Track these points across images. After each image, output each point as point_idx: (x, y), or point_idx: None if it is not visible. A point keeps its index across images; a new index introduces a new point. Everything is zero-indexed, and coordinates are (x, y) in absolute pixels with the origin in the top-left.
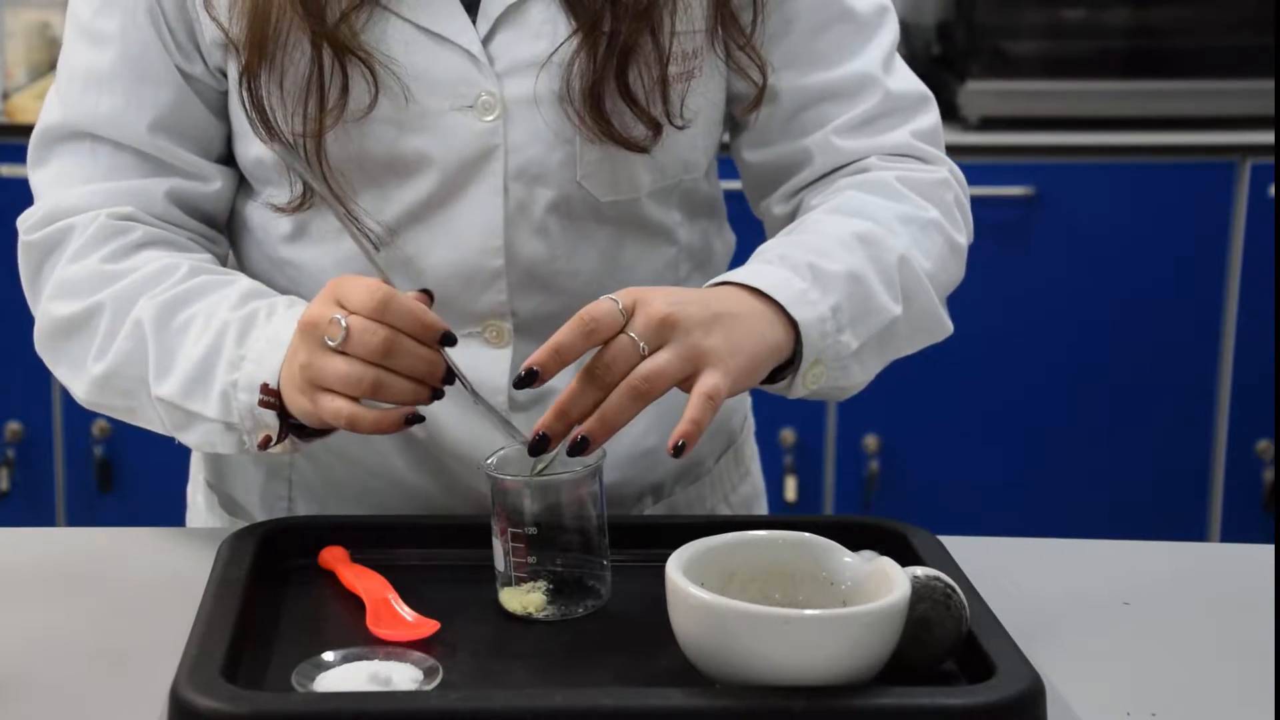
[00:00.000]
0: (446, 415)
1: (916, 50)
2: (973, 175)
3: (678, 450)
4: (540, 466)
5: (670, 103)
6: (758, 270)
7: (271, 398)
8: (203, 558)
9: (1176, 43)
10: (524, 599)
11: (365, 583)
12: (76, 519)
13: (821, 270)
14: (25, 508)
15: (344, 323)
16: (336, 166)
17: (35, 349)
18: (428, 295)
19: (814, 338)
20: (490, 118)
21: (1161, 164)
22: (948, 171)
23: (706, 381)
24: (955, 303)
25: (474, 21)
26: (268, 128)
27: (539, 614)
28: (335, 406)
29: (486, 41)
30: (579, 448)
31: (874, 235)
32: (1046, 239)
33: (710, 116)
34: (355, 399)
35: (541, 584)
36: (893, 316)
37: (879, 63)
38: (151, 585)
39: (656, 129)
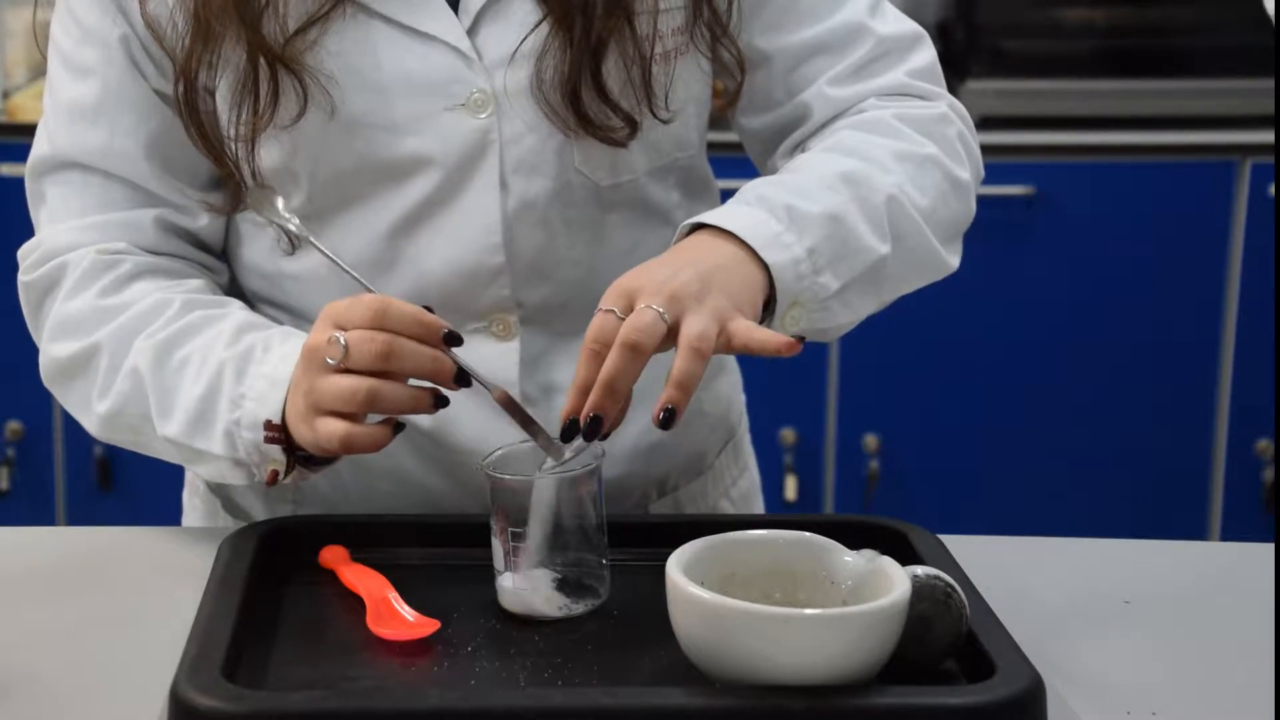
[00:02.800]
0: (458, 411)
1: None
2: None
3: (665, 420)
4: (554, 462)
5: (654, 94)
6: (733, 212)
7: (276, 433)
8: (203, 558)
9: (1176, 42)
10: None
11: (365, 582)
12: (76, 519)
13: (799, 211)
14: (25, 508)
15: (342, 340)
16: (333, 173)
17: (44, 384)
18: (427, 310)
19: (788, 280)
20: (484, 115)
21: (1161, 164)
22: (947, 106)
23: (690, 329)
24: (956, 302)
25: (455, 16)
26: (201, 134)
27: (536, 612)
28: (330, 429)
29: (471, 35)
30: (594, 428)
31: (861, 174)
32: (1046, 239)
33: (698, 96)
34: (354, 417)
35: None
36: (879, 256)
37: (865, 9)
38: (151, 585)
39: (633, 125)
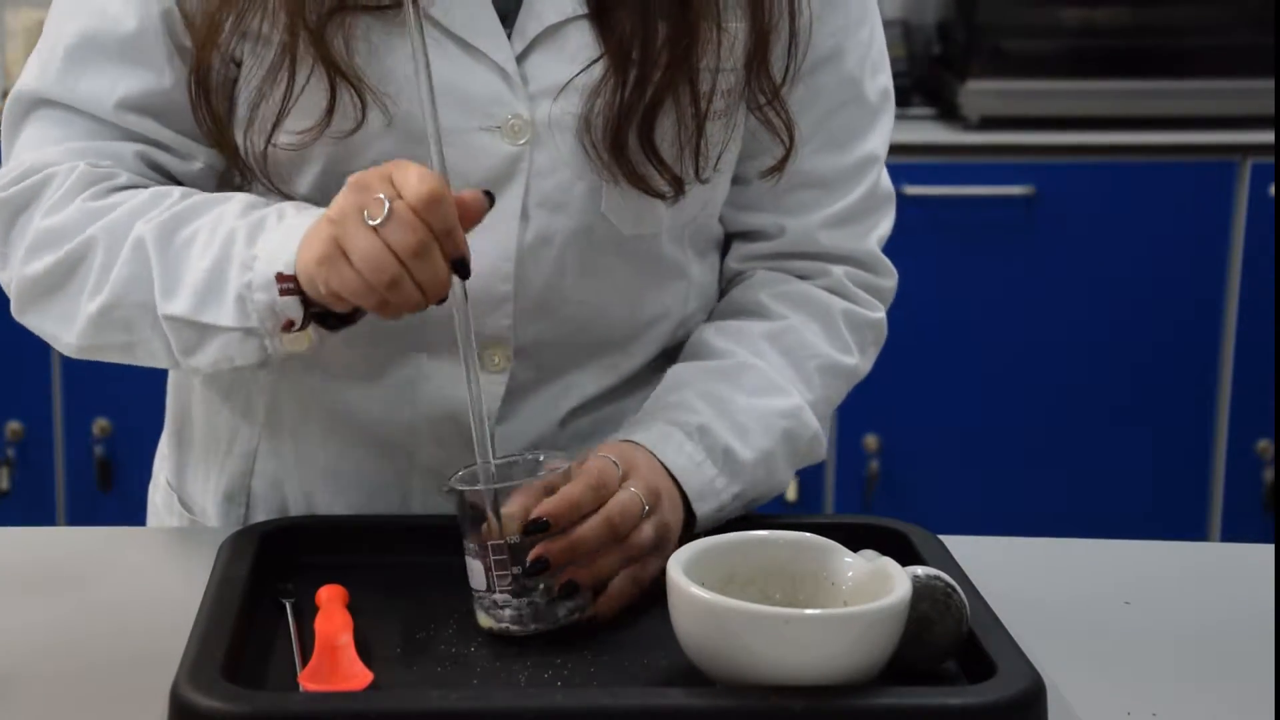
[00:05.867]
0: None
1: (916, 50)
2: (973, 175)
3: (532, 566)
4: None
5: (703, 155)
6: (679, 445)
7: (290, 284)
8: (203, 558)
9: (1176, 43)
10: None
11: (326, 629)
12: (76, 519)
13: (734, 458)
14: (25, 508)
15: (388, 205)
16: (349, 170)
17: (13, 315)
18: (489, 198)
19: (708, 517)
20: (520, 142)
21: (1161, 164)
22: (883, 313)
23: (649, 569)
24: (956, 303)
25: (509, 38)
26: (220, 131)
27: (516, 628)
28: (352, 285)
29: (521, 60)
30: (536, 567)
31: (798, 414)
32: (1046, 239)
33: (732, 160)
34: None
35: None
36: (783, 486)
37: (882, 147)
38: (151, 585)
39: (679, 186)
